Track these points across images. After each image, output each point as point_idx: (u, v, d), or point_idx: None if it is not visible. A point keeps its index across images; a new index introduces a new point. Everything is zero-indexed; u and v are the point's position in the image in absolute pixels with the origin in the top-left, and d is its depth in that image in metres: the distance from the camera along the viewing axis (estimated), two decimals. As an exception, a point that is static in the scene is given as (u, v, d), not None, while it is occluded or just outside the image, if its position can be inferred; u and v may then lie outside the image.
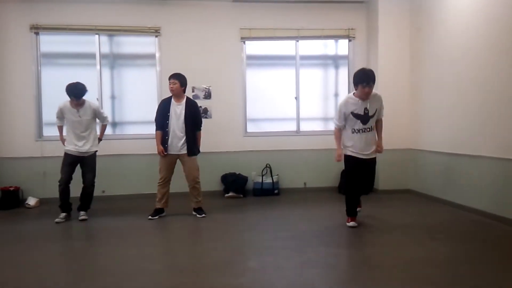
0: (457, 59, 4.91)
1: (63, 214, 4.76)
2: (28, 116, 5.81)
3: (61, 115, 4.74)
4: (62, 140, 4.82)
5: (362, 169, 4.17)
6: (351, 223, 4.23)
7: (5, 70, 5.75)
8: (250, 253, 3.58)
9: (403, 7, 6.00)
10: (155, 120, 4.78)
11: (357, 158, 4.13)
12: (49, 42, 5.97)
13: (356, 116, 4.06)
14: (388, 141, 5.06)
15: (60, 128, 4.84)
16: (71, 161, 4.71)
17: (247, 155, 6.23)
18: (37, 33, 5.84)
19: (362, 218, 4.50)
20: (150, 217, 4.76)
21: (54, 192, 4.75)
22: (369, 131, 4.12)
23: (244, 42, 6.26)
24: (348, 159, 4.19)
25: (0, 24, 5.71)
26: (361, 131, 4.09)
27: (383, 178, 6.00)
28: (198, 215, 4.81)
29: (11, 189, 5.53)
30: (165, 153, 4.68)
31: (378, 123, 4.25)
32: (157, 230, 4.40)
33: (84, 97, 4.71)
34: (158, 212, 4.81)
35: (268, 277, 2.97)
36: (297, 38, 6.31)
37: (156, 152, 4.75)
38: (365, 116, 4.06)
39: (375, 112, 4.10)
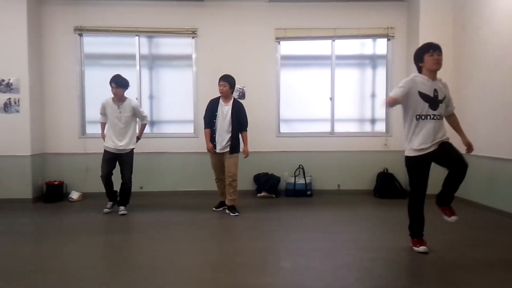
0: (503, 59, 4.68)
1: (110, 203, 5.05)
2: (72, 114, 6.11)
3: (104, 111, 4.96)
4: (103, 136, 5.03)
5: (437, 159, 3.33)
6: (421, 248, 3.40)
7: (52, 70, 6.07)
8: (283, 253, 3.59)
9: (446, 5, 5.80)
10: (204, 118, 5.01)
11: (424, 155, 3.31)
12: (92, 44, 6.24)
13: (424, 97, 3.30)
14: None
15: (103, 125, 5.07)
16: (109, 157, 4.93)
17: (280, 155, 6.24)
18: (80, 35, 6.13)
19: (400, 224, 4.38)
20: (214, 208, 5.12)
21: (95, 187, 4.99)
22: (438, 119, 3.33)
23: (279, 42, 6.27)
24: (411, 162, 3.40)
25: (47, 26, 6.03)
26: (429, 117, 3.31)
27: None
28: (231, 213, 4.89)
29: (56, 183, 5.84)
30: (214, 150, 4.90)
31: (453, 118, 3.57)
32: (192, 226, 4.50)
33: (125, 95, 4.91)
34: (221, 204, 5.13)
35: (301, 278, 2.97)
36: (333, 37, 6.25)
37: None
38: (434, 99, 3.31)
39: (444, 98, 3.37)
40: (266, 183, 5.97)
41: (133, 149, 5.01)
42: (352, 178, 6.26)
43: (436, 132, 3.31)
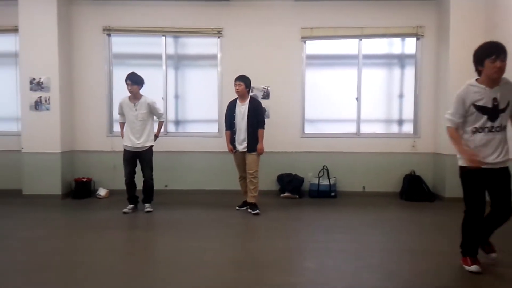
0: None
1: (130, 206, 5.18)
2: (100, 113, 6.33)
3: (121, 111, 5.13)
4: (122, 135, 5.19)
5: (490, 183, 3.06)
6: (473, 267, 3.07)
7: (81, 69, 6.31)
8: (307, 254, 3.64)
9: (478, 2, 5.69)
10: (224, 121, 5.21)
11: (482, 169, 3.01)
12: (120, 43, 6.44)
13: (481, 109, 2.99)
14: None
15: (122, 125, 5.24)
16: (129, 156, 5.09)
17: (304, 156, 6.27)
18: (109, 35, 6.34)
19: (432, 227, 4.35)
20: (237, 207, 5.24)
21: (122, 184, 5.17)
22: (498, 131, 3.02)
23: (305, 42, 6.30)
24: (467, 173, 3.10)
25: (76, 26, 6.27)
26: (487, 130, 3.01)
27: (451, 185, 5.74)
28: (252, 212, 4.98)
29: (84, 180, 6.08)
30: (234, 151, 5.07)
31: None
32: (216, 225, 4.60)
33: (142, 93, 5.08)
34: (245, 203, 5.22)
35: (326, 278, 3.02)
36: (360, 36, 6.23)
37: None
38: (494, 109, 2.98)
39: (508, 105, 3.01)
40: (290, 184, 6.02)
41: (151, 146, 5.14)
42: (377, 180, 6.23)
43: (496, 147, 3.02)
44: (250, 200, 5.04)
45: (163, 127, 5.61)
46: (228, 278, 3.07)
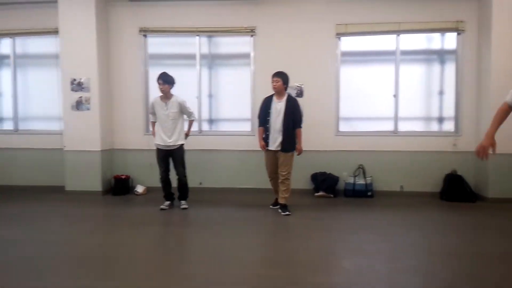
0: None
1: (166, 203, 5.38)
2: (137, 113, 6.59)
3: (153, 110, 5.32)
4: (154, 134, 5.38)
5: None
6: None
7: (118, 70, 6.59)
8: (343, 254, 3.66)
9: (525, -6, 5.47)
10: (258, 117, 5.17)
11: None
12: (155, 44, 6.67)
13: None
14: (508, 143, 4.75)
15: (153, 124, 5.42)
16: (162, 155, 5.28)
17: (339, 154, 6.27)
18: (145, 36, 6.56)
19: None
20: (271, 206, 5.29)
21: (158, 181, 5.36)
22: None
23: (340, 38, 6.28)
24: None
25: (114, 28, 6.55)
26: None
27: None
28: (282, 213, 5.02)
29: (123, 177, 6.36)
30: (266, 148, 5.05)
31: None
32: (250, 223, 4.70)
33: (174, 92, 5.24)
34: (276, 203, 5.25)
35: (364, 279, 3.05)
36: (397, 32, 6.14)
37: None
38: None
39: None
40: (324, 183, 6.03)
41: (182, 144, 5.30)
42: (416, 179, 6.13)
43: None
44: (281, 201, 5.06)
45: (194, 125, 5.75)
46: (263, 276, 3.15)
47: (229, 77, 6.65)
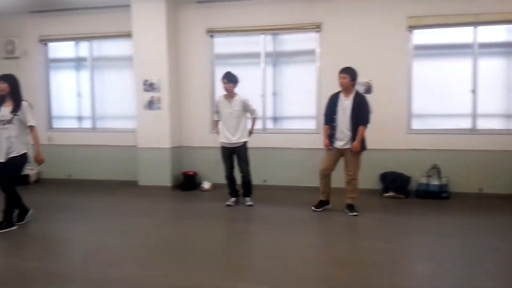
0: None
1: (232, 199, 5.54)
2: (204, 111, 6.84)
3: (217, 109, 5.50)
4: (218, 132, 5.55)
5: None
6: None
7: (187, 70, 6.89)
8: (415, 257, 3.56)
9: None
10: (324, 114, 5.11)
11: None
12: (221, 44, 6.88)
13: None
14: None
15: (217, 122, 5.61)
16: (226, 153, 5.44)
17: (411, 153, 6.03)
18: (212, 36, 6.79)
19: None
20: (314, 208, 5.12)
21: (223, 178, 5.55)
22: None
23: (411, 31, 6.03)
24: None
25: (182, 29, 6.85)
26: None
27: None
28: (349, 213, 4.93)
29: (191, 173, 6.66)
30: (331, 147, 4.95)
31: None
32: (315, 223, 4.72)
33: (238, 91, 5.37)
34: (322, 204, 5.13)
35: (440, 285, 2.92)
36: (475, 24, 5.78)
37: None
38: None
39: None
40: (394, 183, 5.84)
41: (246, 142, 5.41)
42: (497, 181, 5.73)
43: None
44: (348, 201, 4.97)
45: (258, 123, 5.85)
46: (333, 277, 3.14)
47: (293, 74, 6.68)
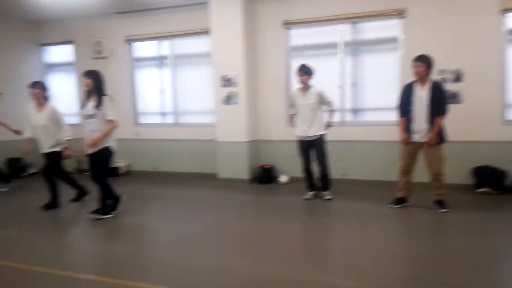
0: None
1: (310, 193, 5.58)
2: (280, 105, 6.91)
3: (292, 102, 5.52)
4: (294, 126, 5.57)
5: None
6: None
7: (263, 64, 7.03)
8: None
9: None
10: (398, 106, 4.90)
11: None
12: (297, 36, 6.89)
13: None
14: None
15: (292, 116, 5.63)
16: (302, 146, 5.46)
17: (507, 146, 5.59)
18: (288, 28, 6.82)
19: None
20: (391, 205, 4.97)
21: (301, 172, 5.58)
22: None
23: (504, 15, 5.56)
24: None
25: (259, 23, 6.97)
26: None
27: None
28: (438, 209, 4.72)
29: (268, 167, 6.83)
30: (409, 141, 4.75)
31: None
32: (398, 218, 4.63)
33: (311, 83, 5.35)
34: (399, 201, 4.96)
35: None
36: None
37: (397, 140, 4.86)
38: None
39: None
40: (488, 178, 5.47)
41: (322, 135, 5.38)
42: None
43: None
44: (438, 197, 4.75)
45: (336, 116, 5.80)
46: (417, 273, 3.08)
47: (374, 64, 6.50)
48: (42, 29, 8.51)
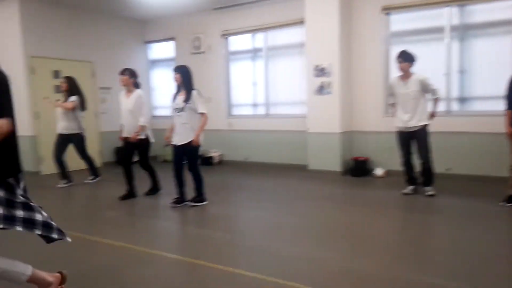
0: None
1: (409, 187, 5.28)
2: (377, 94, 6.71)
3: (392, 91, 5.25)
4: (395, 116, 5.28)
5: None
6: None
7: (358, 52, 6.86)
8: None
9: None
10: (506, 97, 4.51)
11: None
12: (398, 21, 6.57)
13: None
14: None
15: (393, 105, 5.35)
16: (402, 137, 5.16)
17: None
18: (388, 14, 6.54)
19: None
20: (502, 203, 4.52)
21: (399, 165, 5.35)
22: None
23: None
24: None
25: (356, 10, 6.80)
26: None
27: None
28: None
29: (362, 159, 6.63)
30: None
31: None
32: (510, 218, 4.10)
33: (412, 71, 5.03)
34: (511, 199, 4.50)
35: None
36: None
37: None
38: None
39: None
40: None
41: (425, 126, 5.03)
42: None
43: None
44: None
45: (441, 105, 5.39)
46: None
47: (484, 49, 5.95)
48: (147, 27, 9.30)
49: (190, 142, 4.81)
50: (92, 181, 6.57)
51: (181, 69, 4.90)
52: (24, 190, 2.27)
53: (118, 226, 4.35)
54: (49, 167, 7.08)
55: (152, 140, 5.44)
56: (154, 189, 5.63)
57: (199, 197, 5.02)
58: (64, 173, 6.35)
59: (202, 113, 4.83)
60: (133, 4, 7.82)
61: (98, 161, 8.00)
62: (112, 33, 8.72)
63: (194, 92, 4.81)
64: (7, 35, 7.34)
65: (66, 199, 5.83)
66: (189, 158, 4.98)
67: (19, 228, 2.20)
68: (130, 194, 5.45)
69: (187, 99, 4.78)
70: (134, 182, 5.46)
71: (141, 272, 3.05)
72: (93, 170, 6.59)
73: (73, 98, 6.16)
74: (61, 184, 6.31)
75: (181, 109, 4.81)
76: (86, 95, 6.48)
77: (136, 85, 5.43)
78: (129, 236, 3.92)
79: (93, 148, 7.53)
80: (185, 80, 4.84)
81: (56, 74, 7.58)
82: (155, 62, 9.57)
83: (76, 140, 6.33)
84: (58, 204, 5.47)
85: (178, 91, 4.93)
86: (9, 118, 2.14)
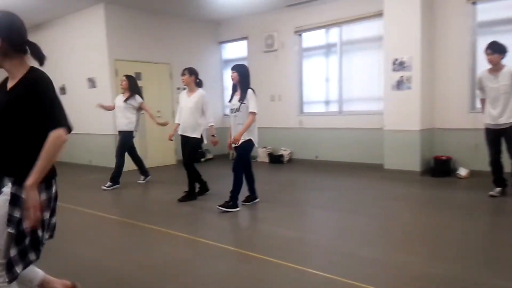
0: None
1: (497, 189, 4.93)
2: (462, 88, 6.32)
3: (480, 85, 4.91)
4: (484, 112, 4.95)
5: None
6: None
7: (442, 44, 6.50)
8: None
9: None
10: None
11: None
12: (486, 10, 6.13)
13: None
14: None
15: (482, 101, 5.00)
16: (491, 135, 4.82)
17: None
18: (474, 3, 6.12)
19: None
20: None
21: (485, 165, 5.03)
22: None
23: None
24: None
25: (438, 0, 6.43)
26: None
27: None
28: None
29: (444, 158, 6.29)
30: None
31: None
32: None
33: (503, 63, 4.67)
34: None
35: None
36: None
37: None
38: None
39: None
40: None
41: None
42: None
43: None
44: None
45: None
46: None
47: None
48: (221, 28, 9.62)
49: (242, 143, 4.71)
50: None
51: (238, 68, 4.81)
52: (56, 194, 2.07)
53: (190, 221, 4.55)
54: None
55: (205, 141, 5.35)
56: (190, 194, 5.34)
57: (232, 201, 4.72)
58: (142, 169, 6.63)
59: (251, 112, 4.68)
60: (208, 6, 8.13)
61: (173, 159, 8.47)
62: (188, 35, 9.14)
63: (249, 91, 4.75)
64: (94, 39, 7.99)
65: (143, 195, 6.25)
66: (235, 157, 4.94)
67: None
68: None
69: (242, 98, 4.73)
70: (196, 183, 5.37)
71: (214, 265, 3.18)
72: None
73: (140, 99, 6.29)
74: (140, 180, 6.61)
75: (236, 109, 4.77)
76: (165, 96, 6.80)
77: (198, 84, 5.40)
78: (201, 231, 4.09)
79: (168, 146, 7.92)
80: (242, 79, 4.77)
81: (137, 76, 8.09)
82: (228, 62, 9.85)
83: (124, 137, 6.30)
84: (135, 199, 5.90)
85: (235, 90, 4.91)
86: (65, 128, 1.91)
